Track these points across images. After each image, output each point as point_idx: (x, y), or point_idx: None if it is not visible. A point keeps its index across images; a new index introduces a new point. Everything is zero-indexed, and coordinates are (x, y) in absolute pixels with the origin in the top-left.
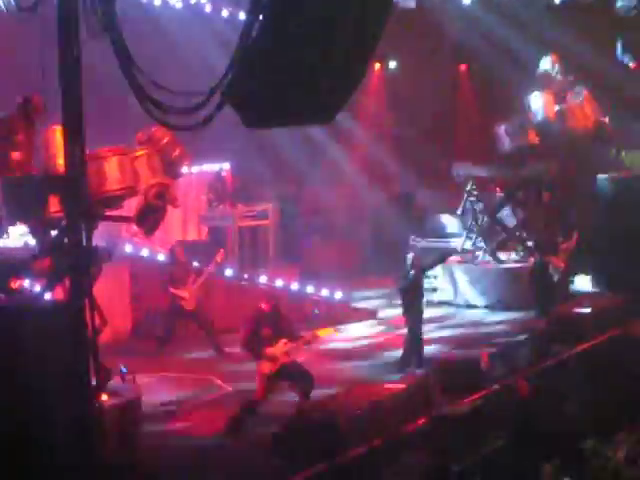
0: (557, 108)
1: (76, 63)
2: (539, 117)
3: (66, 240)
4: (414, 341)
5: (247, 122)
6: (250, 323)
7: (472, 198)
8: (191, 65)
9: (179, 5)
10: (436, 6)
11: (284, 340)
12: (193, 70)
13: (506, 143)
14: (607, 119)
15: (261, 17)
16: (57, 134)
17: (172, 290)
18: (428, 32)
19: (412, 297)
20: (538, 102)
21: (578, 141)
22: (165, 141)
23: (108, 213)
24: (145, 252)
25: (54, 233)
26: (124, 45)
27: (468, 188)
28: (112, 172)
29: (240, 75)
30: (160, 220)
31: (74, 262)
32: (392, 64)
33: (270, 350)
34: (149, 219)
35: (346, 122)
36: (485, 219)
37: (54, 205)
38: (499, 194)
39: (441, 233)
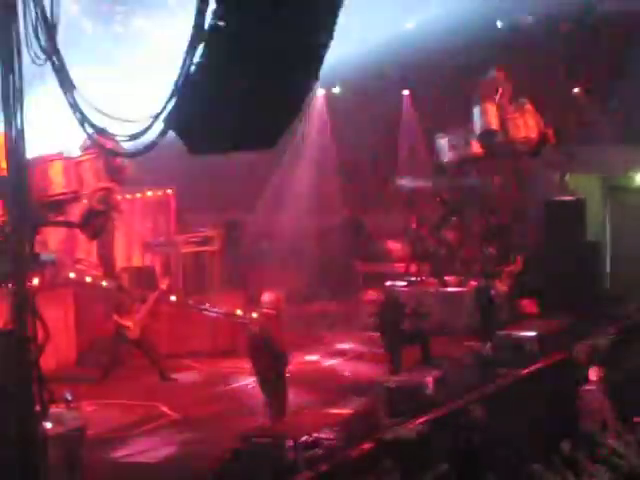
0: (500, 119)
1: (19, 89)
2: (482, 128)
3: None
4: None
5: (191, 149)
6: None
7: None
8: (137, 91)
9: (120, 30)
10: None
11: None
12: (139, 96)
13: (449, 154)
14: (551, 131)
15: (202, 45)
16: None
17: (116, 318)
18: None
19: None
20: (481, 113)
21: (521, 152)
22: (109, 147)
23: (52, 218)
24: (89, 278)
25: None
26: (66, 72)
27: (410, 207)
28: (56, 177)
29: (182, 102)
30: (104, 225)
31: (16, 268)
32: (336, 89)
33: None
34: (93, 224)
35: (290, 147)
36: (428, 240)
37: None
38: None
39: (387, 258)
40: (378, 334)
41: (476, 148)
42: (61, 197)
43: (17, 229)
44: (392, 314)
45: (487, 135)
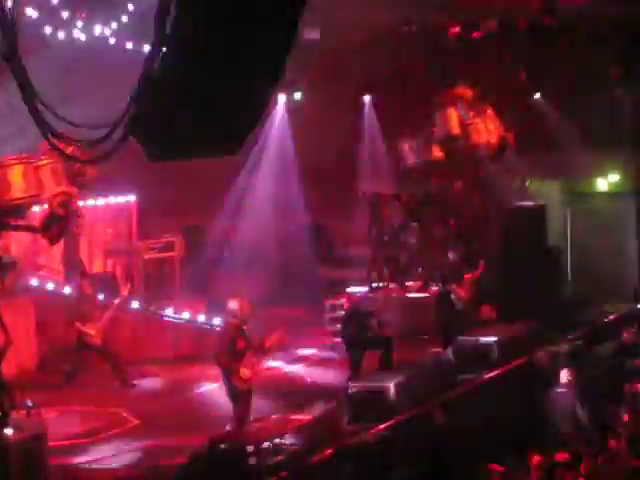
0: (461, 124)
1: None
2: (443, 132)
3: None
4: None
5: (150, 155)
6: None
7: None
8: (98, 98)
9: (83, 38)
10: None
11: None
12: (99, 102)
13: (410, 159)
14: (511, 135)
15: (164, 49)
16: None
17: (78, 325)
18: (332, 63)
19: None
20: (442, 118)
21: (481, 157)
22: (69, 151)
23: (13, 222)
24: (50, 285)
25: None
26: (27, 78)
27: (372, 211)
28: (16, 180)
29: (143, 108)
30: (64, 230)
31: None
32: (297, 95)
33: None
34: (54, 229)
35: (251, 153)
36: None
37: None
38: (402, 217)
39: (347, 263)
40: (340, 339)
41: (437, 152)
42: (21, 201)
43: None
44: (356, 320)
45: (448, 139)
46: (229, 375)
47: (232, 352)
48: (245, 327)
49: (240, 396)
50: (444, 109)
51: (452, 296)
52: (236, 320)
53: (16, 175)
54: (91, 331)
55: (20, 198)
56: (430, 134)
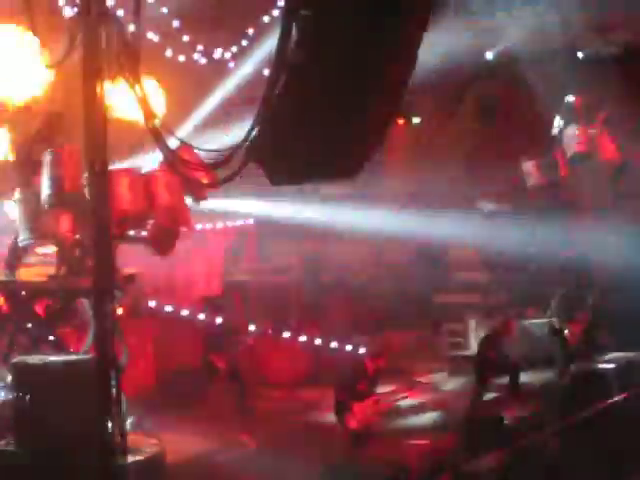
0: (588, 141)
1: (102, 117)
2: (571, 151)
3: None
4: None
5: (272, 180)
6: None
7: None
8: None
9: (202, 61)
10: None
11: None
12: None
13: (536, 177)
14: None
15: (284, 76)
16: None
17: (209, 351)
18: (450, 88)
19: None
20: (570, 136)
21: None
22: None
23: (125, 234)
24: (169, 308)
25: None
26: (149, 101)
27: None
28: (124, 192)
29: (264, 132)
30: (173, 243)
31: (98, 283)
32: (415, 119)
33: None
34: (163, 241)
35: (370, 177)
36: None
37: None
38: None
39: (462, 288)
40: (475, 363)
41: (565, 171)
42: (132, 213)
43: (98, 243)
44: (496, 345)
45: (578, 157)
46: (342, 411)
47: (351, 391)
48: (377, 370)
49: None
50: (570, 127)
51: (565, 332)
52: (368, 360)
53: (123, 187)
54: (221, 355)
55: (132, 209)
56: (557, 152)
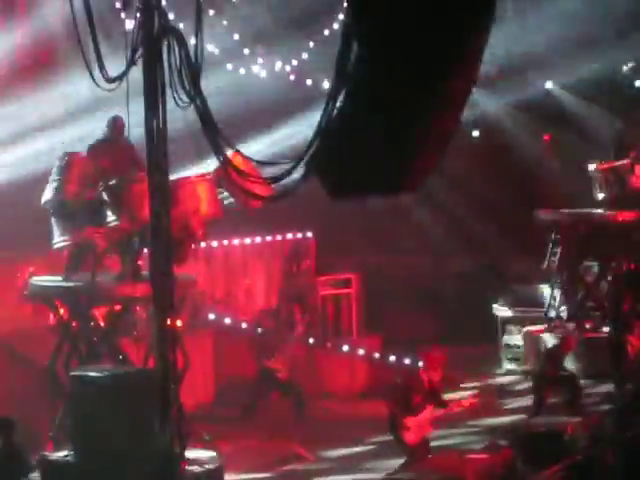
0: None
1: (162, 131)
2: None
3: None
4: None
5: (332, 194)
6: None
7: (554, 258)
8: (275, 133)
9: (263, 74)
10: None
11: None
12: (276, 138)
13: (604, 189)
14: None
15: (345, 90)
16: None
17: (266, 362)
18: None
19: None
20: None
21: None
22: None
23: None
24: (228, 319)
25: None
26: (210, 115)
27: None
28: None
29: (326, 144)
30: (186, 253)
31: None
32: (475, 132)
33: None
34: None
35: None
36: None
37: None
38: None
39: (527, 302)
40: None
41: (637, 184)
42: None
43: (156, 248)
44: (555, 358)
45: None
46: (397, 425)
47: (405, 405)
48: (433, 384)
49: (404, 448)
50: None
51: (627, 346)
52: (424, 373)
53: (203, 192)
54: (278, 366)
55: (209, 214)
56: (626, 164)
